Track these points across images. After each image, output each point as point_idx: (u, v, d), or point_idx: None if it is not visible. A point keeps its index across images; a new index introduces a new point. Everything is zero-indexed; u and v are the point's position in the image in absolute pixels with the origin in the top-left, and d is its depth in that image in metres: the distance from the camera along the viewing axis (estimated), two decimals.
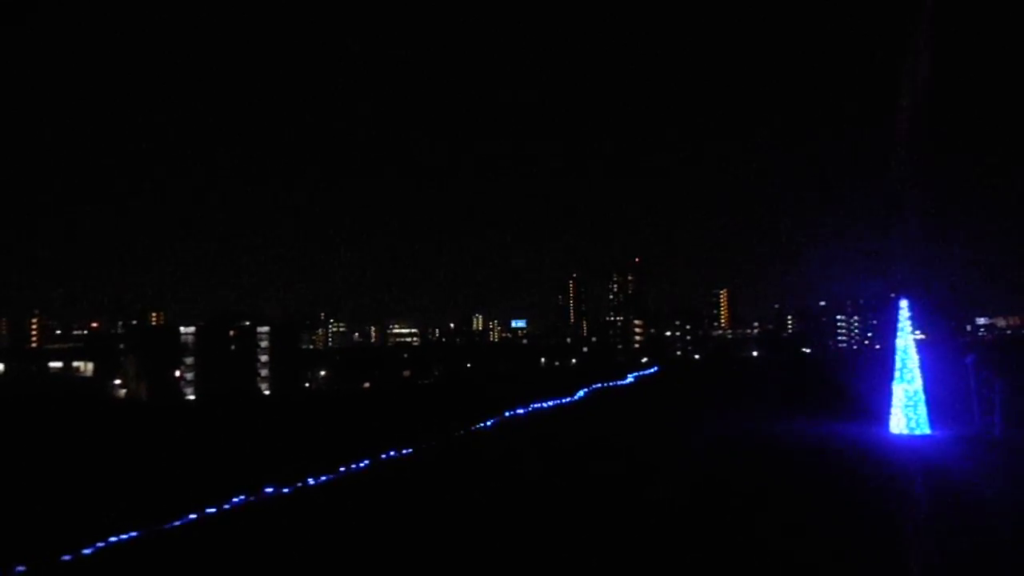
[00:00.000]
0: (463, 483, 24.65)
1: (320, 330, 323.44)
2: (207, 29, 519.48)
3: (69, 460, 32.61)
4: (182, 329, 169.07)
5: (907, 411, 32.83)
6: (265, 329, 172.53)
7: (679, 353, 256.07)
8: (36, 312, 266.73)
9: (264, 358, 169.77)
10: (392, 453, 28.06)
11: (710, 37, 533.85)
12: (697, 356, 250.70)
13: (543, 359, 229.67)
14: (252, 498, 21.52)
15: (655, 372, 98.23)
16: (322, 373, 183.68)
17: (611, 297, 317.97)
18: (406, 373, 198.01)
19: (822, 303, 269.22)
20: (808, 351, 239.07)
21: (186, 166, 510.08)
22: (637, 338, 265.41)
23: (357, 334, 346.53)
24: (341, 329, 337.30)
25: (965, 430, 32.77)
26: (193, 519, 19.32)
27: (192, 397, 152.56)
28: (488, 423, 35.41)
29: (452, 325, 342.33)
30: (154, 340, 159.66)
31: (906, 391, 33.00)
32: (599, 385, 60.22)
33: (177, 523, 18.98)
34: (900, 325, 34.70)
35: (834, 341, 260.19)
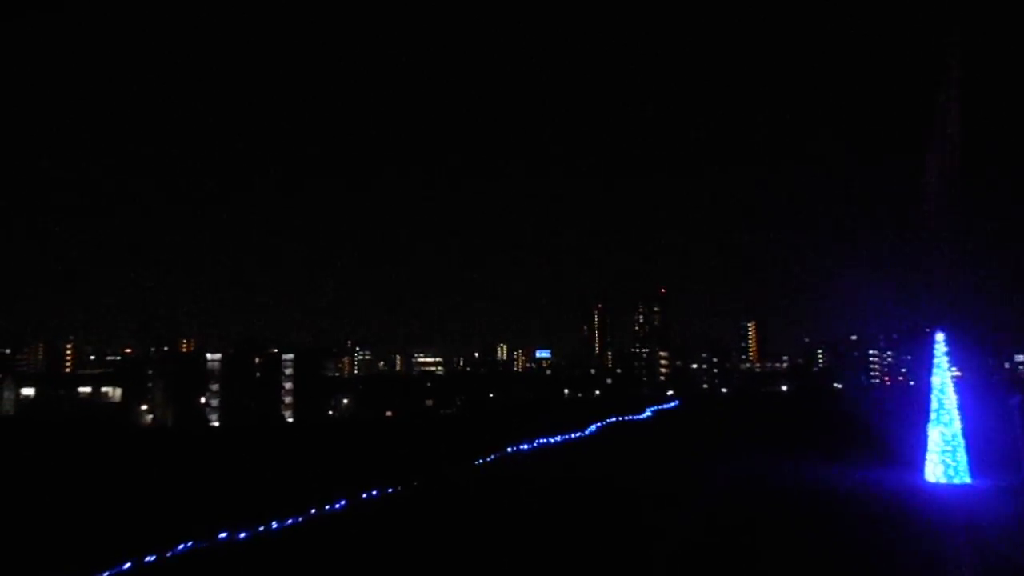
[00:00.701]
0: (439, 533, 22.73)
1: (346, 358, 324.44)
2: (240, 57, 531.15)
3: (40, 492, 30.76)
4: (208, 356, 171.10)
5: (944, 457, 29.73)
6: (290, 356, 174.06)
7: (705, 386, 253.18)
8: (71, 337, 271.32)
9: (288, 385, 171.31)
10: (375, 493, 26.35)
11: (739, 69, 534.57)
12: (725, 390, 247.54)
13: (566, 390, 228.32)
14: (201, 544, 19.79)
15: (675, 407, 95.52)
16: (345, 401, 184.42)
17: (636, 328, 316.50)
18: (428, 402, 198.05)
19: (853, 337, 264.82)
20: (840, 386, 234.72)
21: (217, 195, 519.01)
22: (663, 370, 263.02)
23: (382, 362, 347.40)
24: (367, 357, 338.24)
25: (1010, 480, 29.39)
26: (125, 569, 17.54)
27: (217, 423, 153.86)
28: (489, 458, 34.06)
29: (476, 355, 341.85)
30: (180, 366, 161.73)
31: (943, 434, 29.85)
32: (614, 419, 58.69)
33: (106, 574, 17.30)
34: (936, 361, 31.39)
35: (866, 376, 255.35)
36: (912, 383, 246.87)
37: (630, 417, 62.05)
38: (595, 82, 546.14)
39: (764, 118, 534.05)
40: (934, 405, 30.51)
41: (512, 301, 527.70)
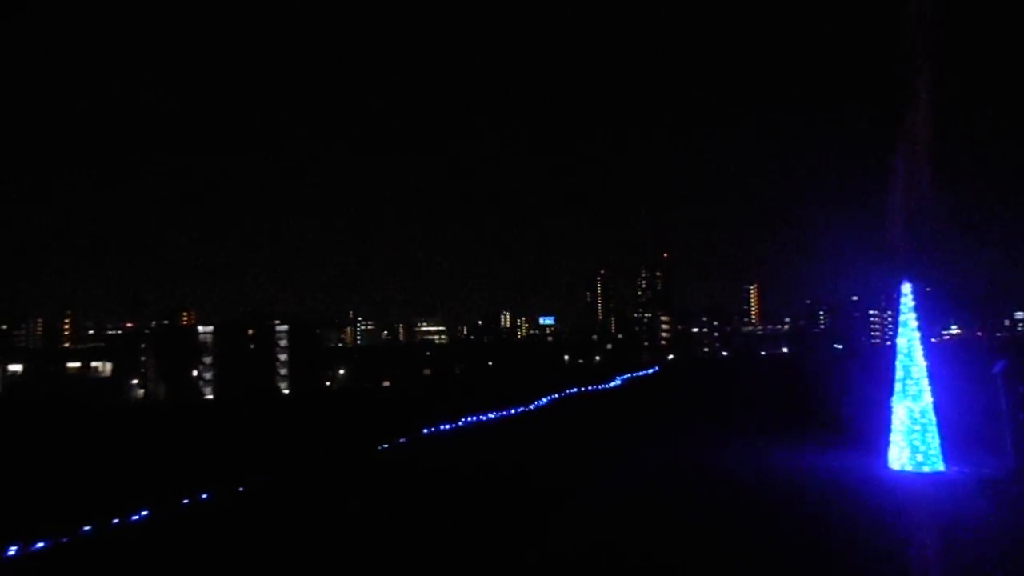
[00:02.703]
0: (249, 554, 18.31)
1: (348, 328, 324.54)
2: (224, 28, 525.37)
3: None
4: (201, 328, 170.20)
5: (912, 439, 23.42)
6: (284, 328, 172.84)
7: (706, 350, 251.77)
8: (69, 312, 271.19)
9: (284, 356, 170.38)
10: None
11: (737, 33, 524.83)
12: (725, 353, 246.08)
13: (566, 356, 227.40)
14: None
15: (649, 374, 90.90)
16: (341, 371, 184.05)
17: (639, 293, 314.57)
18: (426, 371, 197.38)
19: (854, 297, 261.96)
20: (840, 347, 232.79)
21: (222, 168, 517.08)
22: (664, 335, 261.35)
23: (386, 332, 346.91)
24: (369, 327, 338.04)
25: (992, 468, 23.18)
26: None
27: (211, 397, 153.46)
28: (398, 442, 30.87)
29: (480, 323, 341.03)
30: (172, 340, 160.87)
31: (910, 411, 23.54)
32: (574, 391, 55.46)
33: None
34: (902, 318, 25.47)
35: (867, 336, 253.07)
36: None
37: (594, 387, 58.68)
38: (598, 51, 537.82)
39: (760, 86, 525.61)
40: (899, 374, 24.41)
41: (517, 268, 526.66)
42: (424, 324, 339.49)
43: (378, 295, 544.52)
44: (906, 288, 25.54)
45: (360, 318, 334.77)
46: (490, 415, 36.77)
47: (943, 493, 21.34)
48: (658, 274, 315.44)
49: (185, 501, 21.23)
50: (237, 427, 47.20)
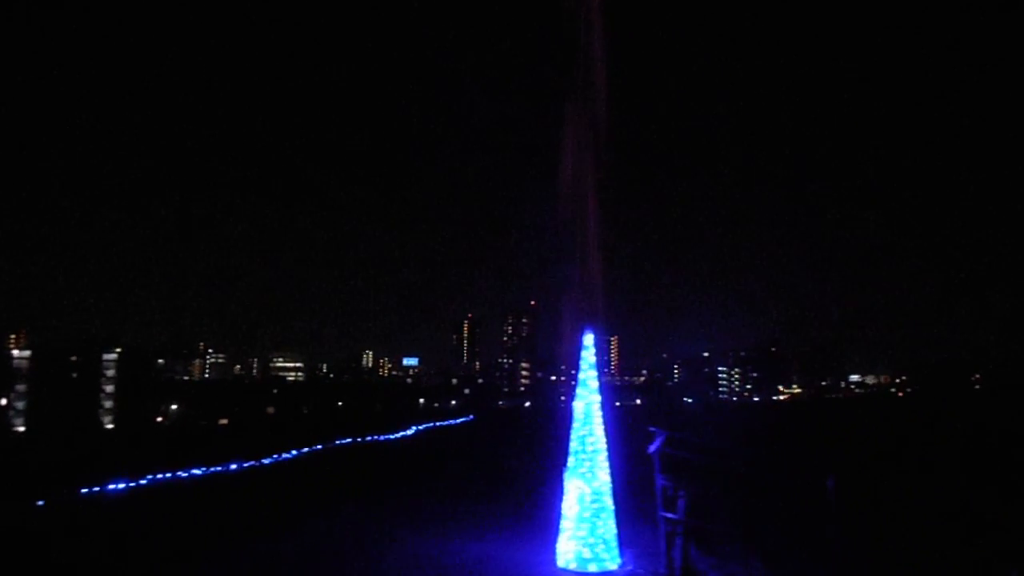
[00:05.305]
0: None
1: (198, 360, 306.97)
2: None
3: None
4: (16, 353, 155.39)
5: (583, 528, 19.39)
6: (112, 356, 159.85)
7: (563, 398, 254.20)
8: None
9: (110, 388, 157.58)
10: None
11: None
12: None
13: (422, 400, 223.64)
14: None
15: (455, 424, 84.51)
16: (173, 407, 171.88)
17: (505, 339, 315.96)
18: (270, 410, 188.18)
19: (705, 353, 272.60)
20: (690, 401, 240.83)
21: (74, 190, 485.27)
22: (524, 381, 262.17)
23: (239, 366, 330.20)
24: (220, 360, 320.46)
25: (656, 565, 18.84)
26: None
27: (22, 428, 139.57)
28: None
29: (339, 361, 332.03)
30: None
31: (581, 493, 19.44)
32: (347, 440, 50.20)
33: None
34: (582, 376, 21.29)
35: (715, 391, 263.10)
36: (756, 399, 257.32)
37: (374, 437, 53.69)
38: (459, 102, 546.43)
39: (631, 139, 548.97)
40: (574, 445, 19.98)
41: (384, 308, 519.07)
42: (281, 359, 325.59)
43: (236, 328, 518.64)
44: (588, 340, 20.64)
45: (211, 350, 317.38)
46: (195, 471, 30.93)
47: None
48: (524, 321, 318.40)
49: None
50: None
